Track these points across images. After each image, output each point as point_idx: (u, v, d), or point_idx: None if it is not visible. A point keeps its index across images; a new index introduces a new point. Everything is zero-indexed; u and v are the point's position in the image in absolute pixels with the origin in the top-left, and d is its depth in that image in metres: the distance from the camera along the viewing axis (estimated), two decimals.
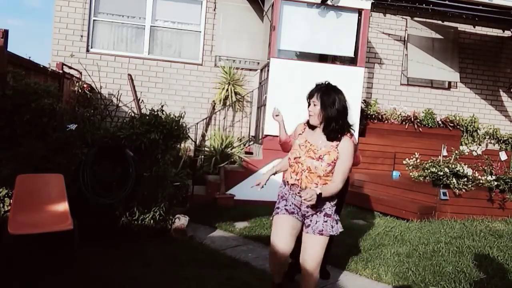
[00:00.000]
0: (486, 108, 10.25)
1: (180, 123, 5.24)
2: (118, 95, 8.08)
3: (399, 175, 7.94)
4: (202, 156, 8.13)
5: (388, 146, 8.44)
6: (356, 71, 8.01)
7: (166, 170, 4.96)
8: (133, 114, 5.56)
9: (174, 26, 9.05)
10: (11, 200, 4.10)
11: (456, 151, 7.83)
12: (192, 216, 5.40)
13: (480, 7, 8.37)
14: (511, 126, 10.32)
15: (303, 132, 3.11)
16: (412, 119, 8.76)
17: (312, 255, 3.02)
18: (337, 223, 3.06)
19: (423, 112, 9.01)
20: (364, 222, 6.34)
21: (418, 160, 7.63)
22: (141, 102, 7.96)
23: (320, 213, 3.03)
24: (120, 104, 8.08)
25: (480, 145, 9.46)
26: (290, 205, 3.08)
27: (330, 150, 2.95)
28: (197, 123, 8.18)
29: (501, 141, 9.81)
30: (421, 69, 9.57)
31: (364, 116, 8.50)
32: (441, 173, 6.61)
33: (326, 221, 3.01)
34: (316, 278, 3.10)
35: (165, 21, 9.03)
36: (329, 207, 3.03)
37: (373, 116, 8.67)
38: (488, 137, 9.81)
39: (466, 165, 6.91)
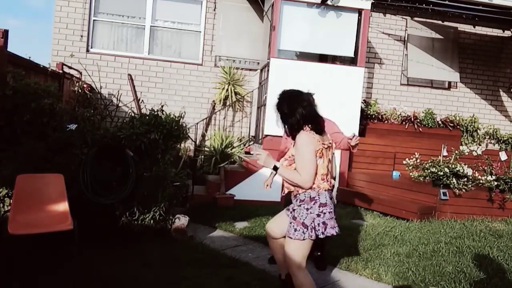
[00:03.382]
0: (486, 108, 10.25)
1: (180, 123, 5.24)
2: (118, 95, 8.10)
3: (399, 175, 7.94)
4: (202, 156, 8.13)
5: (388, 146, 8.44)
6: (356, 71, 8.01)
7: (166, 170, 4.96)
8: (133, 114, 5.55)
9: (174, 26, 9.06)
10: (11, 200, 4.10)
11: (456, 151, 7.83)
12: (192, 216, 5.40)
13: (480, 7, 8.37)
14: (511, 126, 10.32)
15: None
16: (412, 119, 8.75)
17: (287, 256, 3.07)
18: (303, 229, 2.95)
19: (423, 112, 9.01)
20: (364, 222, 6.34)
21: (418, 160, 7.63)
22: (141, 102, 7.97)
23: (291, 214, 3.09)
24: (120, 104, 8.09)
25: (480, 145, 9.46)
26: None
27: (290, 147, 3.14)
28: (197, 123, 8.18)
29: (501, 141, 9.81)
30: (421, 69, 9.57)
31: (364, 116, 8.49)
32: (441, 173, 6.61)
33: (290, 223, 3.05)
34: (298, 279, 3.03)
35: (165, 21, 9.03)
36: (297, 210, 3.03)
37: (373, 116, 8.67)
38: (488, 137, 9.81)
39: (466, 165, 6.90)
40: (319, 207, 2.97)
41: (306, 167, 2.93)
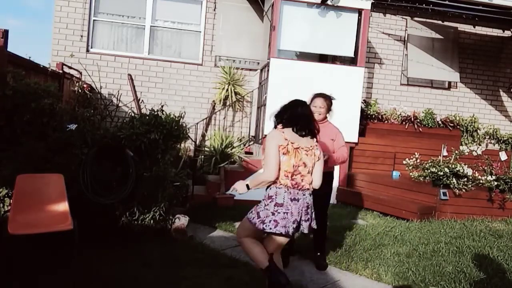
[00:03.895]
0: (486, 108, 10.25)
1: (180, 123, 5.23)
2: (118, 95, 8.09)
3: (399, 175, 7.93)
4: (202, 156, 8.13)
5: (388, 146, 8.44)
6: (356, 71, 8.02)
7: (166, 170, 4.96)
8: (133, 114, 5.55)
9: (174, 26, 9.06)
10: (11, 200, 4.10)
11: (456, 151, 7.82)
12: (192, 216, 5.39)
13: (480, 7, 8.37)
14: (511, 126, 10.32)
15: None
16: (412, 119, 8.75)
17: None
18: (255, 216, 3.19)
19: (423, 112, 9.01)
20: (364, 222, 6.34)
21: (418, 160, 7.63)
22: (141, 102, 7.97)
23: None
24: (120, 104, 8.09)
25: (480, 145, 9.45)
26: None
27: None
28: (197, 123, 8.18)
29: (501, 141, 9.81)
30: (421, 69, 9.57)
31: (364, 116, 8.49)
32: (441, 173, 6.61)
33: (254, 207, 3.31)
34: (243, 246, 3.34)
35: (165, 21, 9.03)
36: (261, 201, 3.26)
37: (373, 116, 8.67)
38: (488, 137, 9.80)
39: (466, 165, 6.90)
40: (274, 206, 3.14)
41: (267, 160, 3.15)
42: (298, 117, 3.24)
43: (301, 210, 3.18)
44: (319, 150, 3.28)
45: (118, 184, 4.70)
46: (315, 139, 3.30)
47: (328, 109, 4.36)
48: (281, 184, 3.16)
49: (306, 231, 3.23)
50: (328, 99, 4.35)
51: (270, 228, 3.13)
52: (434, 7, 8.88)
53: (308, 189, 3.23)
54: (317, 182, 3.29)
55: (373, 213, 6.80)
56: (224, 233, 5.49)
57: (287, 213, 3.12)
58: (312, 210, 3.30)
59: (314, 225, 3.30)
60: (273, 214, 3.13)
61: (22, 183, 4.11)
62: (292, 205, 3.14)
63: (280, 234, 3.17)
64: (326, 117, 4.39)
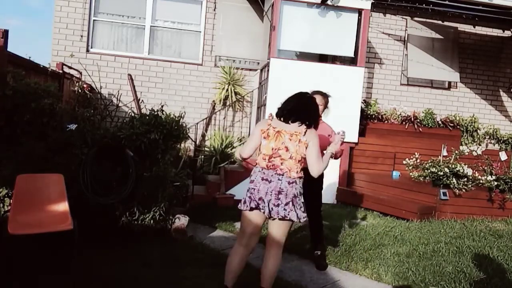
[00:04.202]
0: (486, 108, 10.25)
1: (180, 123, 5.23)
2: (118, 95, 8.10)
3: (399, 175, 7.93)
4: (202, 156, 8.13)
5: (388, 146, 8.43)
6: (356, 71, 8.02)
7: (166, 170, 4.96)
8: (133, 114, 5.55)
9: (174, 26, 9.06)
10: (11, 200, 4.10)
11: (456, 151, 7.82)
12: (192, 216, 5.39)
13: (480, 7, 8.37)
14: (511, 126, 10.32)
15: None
16: (412, 119, 8.75)
17: None
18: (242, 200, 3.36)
19: (423, 112, 9.01)
20: (364, 222, 6.34)
21: (418, 160, 7.63)
22: (141, 102, 7.97)
23: None
24: (120, 104, 8.09)
25: (480, 145, 9.45)
26: None
27: None
28: (197, 123, 8.18)
29: (501, 141, 9.81)
30: (421, 69, 9.57)
31: (364, 116, 8.49)
32: (441, 173, 6.61)
33: None
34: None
35: (165, 21, 9.03)
36: None
37: (373, 116, 8.67)
38: (488, 137, 9.80)
39: (466, 165, 6.90)
40: (250, 183, 3.32)
41: (248, 140, 3.43)
42: (287, 107, 3.33)
43: (271, 192, 3.16)
44: (306, 137, 3.17)
45: (118, 184, 4.70)
46: (304, 126, 3.21)
47: (325, 106, 4.38)
48: (258, 165, 3.31)
49: (276, 217, 3.17)
50: (325, 97, 4.38)
51: (247, 206, 3.26)
52: (434, 7, 8.88)
53: (284, 174, 3.16)
54: (313, 169, 3.19)
55: (373, 213, 6.80)
56: (224, 233, 5.49)
57: (254, 189, 3.24)
58: (288, 200, 3.14)
59: (292, 217, 3.14)
60: (248, 190, 3.30)
61: (22, 183, 4.10)
62: (261, 183, 3.21)
63: (242, 210, 3.32)
64: (321, 116, 4.39)
